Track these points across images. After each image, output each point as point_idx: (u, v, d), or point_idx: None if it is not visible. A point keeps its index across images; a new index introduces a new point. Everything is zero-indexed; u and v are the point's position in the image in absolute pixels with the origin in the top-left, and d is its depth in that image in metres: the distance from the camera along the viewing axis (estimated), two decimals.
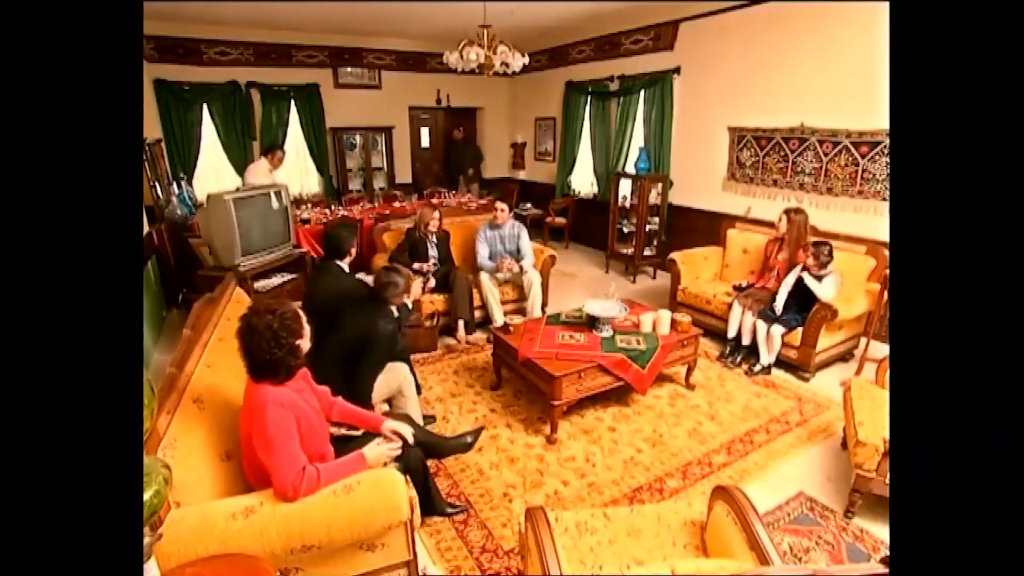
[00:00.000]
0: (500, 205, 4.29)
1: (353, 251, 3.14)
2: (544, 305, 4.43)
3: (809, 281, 3.38)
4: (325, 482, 1.57)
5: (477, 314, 4.18)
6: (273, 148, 5.28)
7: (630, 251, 5.80)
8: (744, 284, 3.99)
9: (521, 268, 4.20)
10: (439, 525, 2.23)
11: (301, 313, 1.74)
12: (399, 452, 1.96)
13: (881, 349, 3.57)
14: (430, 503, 2.22)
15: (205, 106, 6.22)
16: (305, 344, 1.73)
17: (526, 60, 4.80)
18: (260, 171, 5.03)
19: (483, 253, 4.24)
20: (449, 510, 2.29)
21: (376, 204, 6.12)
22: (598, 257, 6.64)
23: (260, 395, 1.60)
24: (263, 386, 1.63)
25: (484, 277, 4.15)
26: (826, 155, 4.24)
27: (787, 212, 3.79)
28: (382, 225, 4.68)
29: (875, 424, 2.24)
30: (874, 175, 3.95)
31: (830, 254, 3.37)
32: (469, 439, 2.48)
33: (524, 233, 4.34)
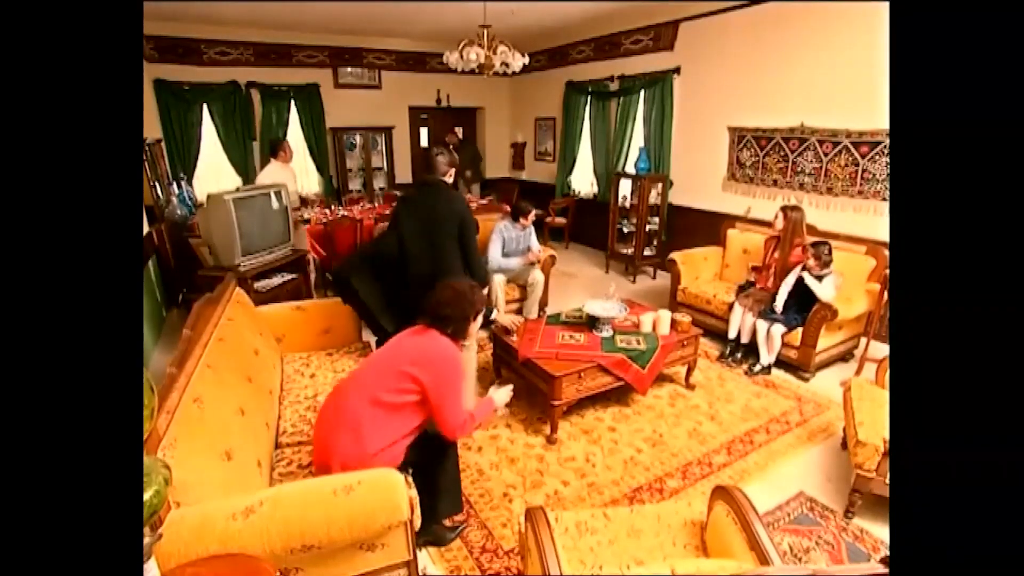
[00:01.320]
0: (531, 213, 4.23)
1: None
2: (544, 305, 4.43)
3: (809, 281, 3.39)
4: (475, 424, 1.94)
5: None
6: (277, 144, 5.02)
7: (630, 251, 5.80)
8: (753, 271, 3.97)
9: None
10: None
11: (485, 308, 2.07)
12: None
13: (881, 349, 3.57)
14: (432, 518, 2.03)
15: (205, 106, 6.22)
16: (472, 328, 2.01)
17: (526, 60, 4.80)
18: (274, 173, 4.85)
19: (496, 250, 4.12)
20: (449, 535, 2.15)
21: (376, 204, 6.12)
22: (598, 257, 6.64)
23: (447, 344, 1.90)
24: (445, 337, 1.91)
25: (498, 278, 4.05)
26: (826, 155, 4.24)
27: (784, 209, 3.77)
28: (383, 225, 4.68)
29: (875, 424, 2.24)
30: (874, 175, 3.95)
31: (830, 253, 3.37)
32: (450, 535, 2.17)
33: (532, 229, 4.34)
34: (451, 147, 8.04)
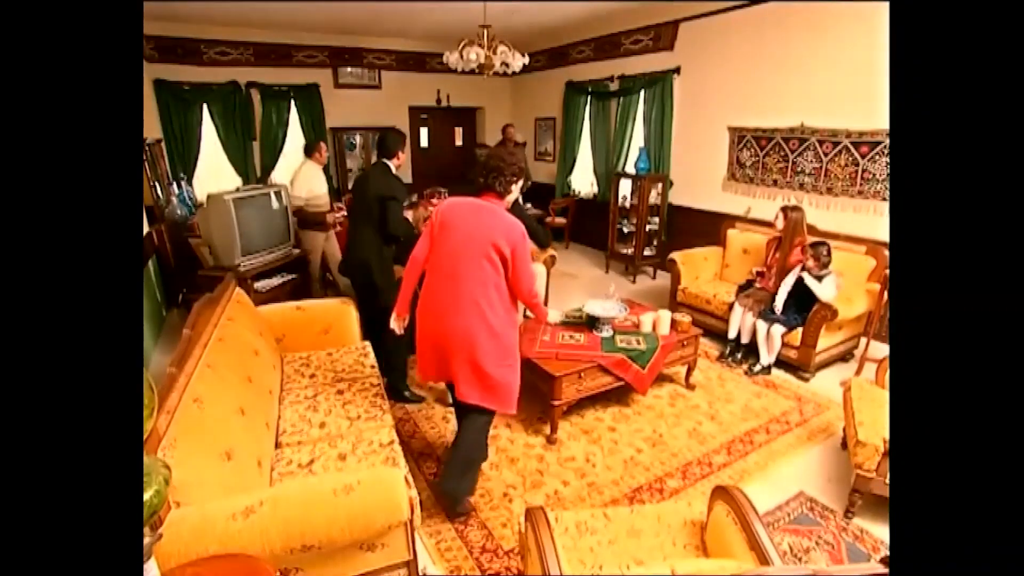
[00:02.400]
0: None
1: (401, 155, 3.14)
2: (544, 305, 4.41)
3: (809, 281, 3.38)
4: (540, 301, 2.31)
5: None
6: (313, 144, 4.62)
7: (630, 251, 5.80)
8: (756, 272, 3.95)
9: None
10: (439, 525, 2.23)
11: (525, 169, 2.21)
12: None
13: (881, 349, 3.57)
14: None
15: (205, 106, 6.22)
16: (514, 187, 2.13)
17: (526, 60, 4.80)
18: (309, 174, 4.52)
19: None
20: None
21: None
22: (598, 257, 6.64)
23: (509, 216, 2.09)
24: (500, 204, 2.11)
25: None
26: (826, 155, 4.24)
27: (784, 209, 3.77)
28: None
29: (875, 424, 2.24)
30: (874, 175, 3.95)
31: (829, 254, 3.37)
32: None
33: None
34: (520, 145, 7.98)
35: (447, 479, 2.22)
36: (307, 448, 2.09)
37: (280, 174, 6.89)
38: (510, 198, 2.14)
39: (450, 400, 2.55)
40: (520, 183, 2.15)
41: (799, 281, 3.46)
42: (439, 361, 2.17)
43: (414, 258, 2.21)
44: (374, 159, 3.56)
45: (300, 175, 4.51)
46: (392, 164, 3.08)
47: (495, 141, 8.58)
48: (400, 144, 3.09)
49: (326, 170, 7.07)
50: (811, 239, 3.62)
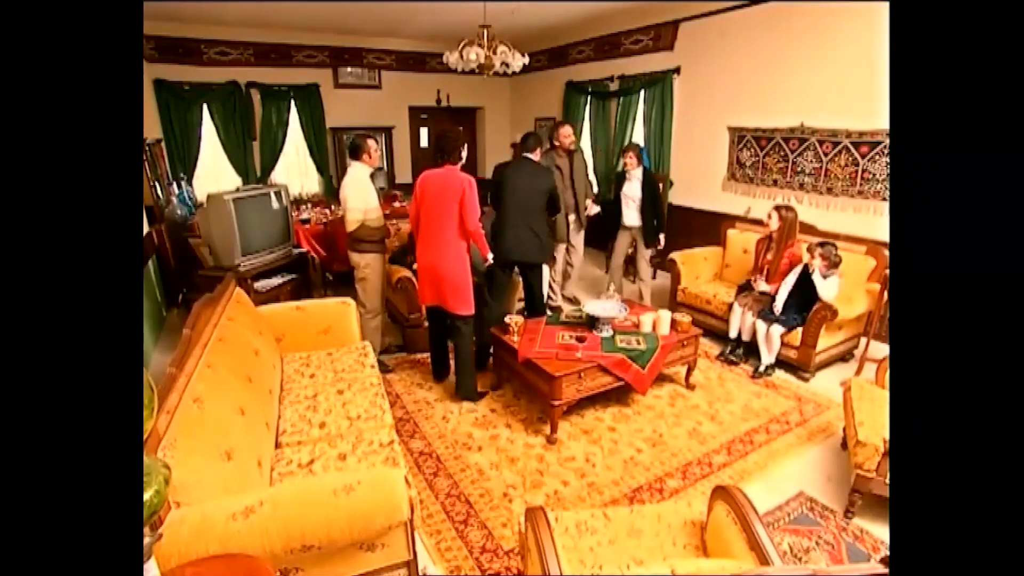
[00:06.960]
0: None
1: (539, 150, 3.73)
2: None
3: (816, 278, 3.35)
4: (481, 235, 3.07)
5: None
6: (359, 145, 3.45)
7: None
8: (754, 280, 3.93)
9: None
10: (439, 525, 2.23)
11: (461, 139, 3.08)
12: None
13: (881, 349, 3.57)
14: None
15: (205, 106, 6.22)
16: (462, 152, 3.05)
17: (526, 60, 4.80)
18: (366, 183, 3.47)
19: None
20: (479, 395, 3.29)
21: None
22: (598, 257, 6.64)
23: (460, 174, 2.98)
24: (454, 169, 3.00)
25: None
26: (826, 155, 4.24)
27: (778, 208, 3.75)
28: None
29: (875, 424, 2.24)
30: (874, 175, 3.95)
31: (838, 253, 3.37)
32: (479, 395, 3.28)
33: None
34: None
35: (463, 386, 3.19)
36: (307, 448, 2.09)
37: (280, 174, 6.90)
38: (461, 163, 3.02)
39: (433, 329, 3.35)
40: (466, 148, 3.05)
41: (799, 280, 3.45)
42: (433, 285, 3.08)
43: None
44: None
45: (356, 184, 3.39)
46: (534, 157, 3.67)
47: (494, 140, 8.59)
48: (540, 142, 3.72)
49: (326, 170, 7.12)
50: (817, 239, 3.61)
